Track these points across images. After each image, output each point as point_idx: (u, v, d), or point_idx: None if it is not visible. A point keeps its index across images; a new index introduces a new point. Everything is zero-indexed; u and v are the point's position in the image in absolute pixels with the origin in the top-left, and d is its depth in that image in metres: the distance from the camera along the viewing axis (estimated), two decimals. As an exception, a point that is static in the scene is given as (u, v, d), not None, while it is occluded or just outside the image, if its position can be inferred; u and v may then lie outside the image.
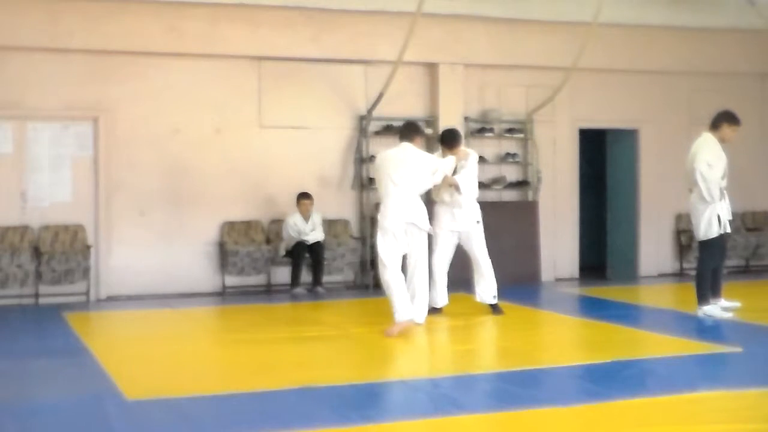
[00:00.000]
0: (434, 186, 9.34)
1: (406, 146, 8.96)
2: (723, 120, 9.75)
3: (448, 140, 9.58)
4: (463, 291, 11.88)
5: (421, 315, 9.03)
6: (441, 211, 9.77)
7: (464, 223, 9.67)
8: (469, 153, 9.75)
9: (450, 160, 9.35)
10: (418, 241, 8.92)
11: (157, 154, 11.98)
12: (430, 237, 9.26)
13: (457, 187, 9.45)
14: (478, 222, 9.74)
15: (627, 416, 5.91)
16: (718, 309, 9.66)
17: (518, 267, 13.04)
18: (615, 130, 14.28)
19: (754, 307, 10.23)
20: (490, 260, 9.85)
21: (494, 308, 9.87)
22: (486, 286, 9.82)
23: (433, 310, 9.66)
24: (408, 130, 9.11)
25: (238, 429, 5.72)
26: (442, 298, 9.84)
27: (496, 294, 9.86)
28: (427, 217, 9.00)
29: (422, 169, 8.86)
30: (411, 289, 8.96)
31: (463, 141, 9.70)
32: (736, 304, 9.79)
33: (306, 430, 5.62)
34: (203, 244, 12.16)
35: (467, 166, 9.57)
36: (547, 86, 13.05)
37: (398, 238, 8.78)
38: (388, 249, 8.75)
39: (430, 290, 9.56)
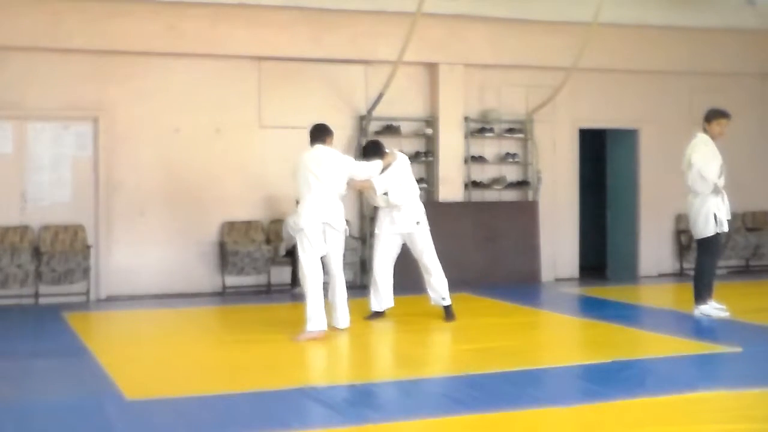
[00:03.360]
0: (364, 191, 9.43)
1: (321, 147, 8.91)
2: (712, 117, 9.81)
3: (370, 153, 9.41)
4: (466, 291, 11.91)
5: (344, 320, 8.95)
6: (381, 214, 9.63)
7: (404, 225, 9.49)
8: (396, 156, 9.55)
9: (376, 163, 9.28)
10: (336, 243, 8.84)
11: (157, 154, 11.98)
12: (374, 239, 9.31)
13: (371, 189, 9.31)
14: (418, 223, 9.51)
15: (627, 416, 5.91)
16: (714, 308, 9.66)
17: (518, 267, 13.05)
18: (615, 130, 14.29)
19: (754, 307, 10.24)
20: (438, 261, 9.55)
21: (446, 312, 9.57)
22: (434, 287, 9.54)
23: (376, 314, 9.59)
24: (320, 132, 9.02)
25: (238, 429, 5.72)
26: (386, 301, 9.63)
27: (447, 296, 9.56)
28: (343, 218, 8.91)
29: (341, 169, 8.85)
30: (332, 295, 8.91)
31: (384, 150, 9.53)
32: (723, 306, 9.77)
33: (306, 430, 5.63)
34: (203, 244, 12.16)
35: (392, 168, 9.42)
36: (547, 86, 13.06)
37: (315, 239, 8.69)
38: (306, 253, 8.67)
39: (372, 294, 9.59)
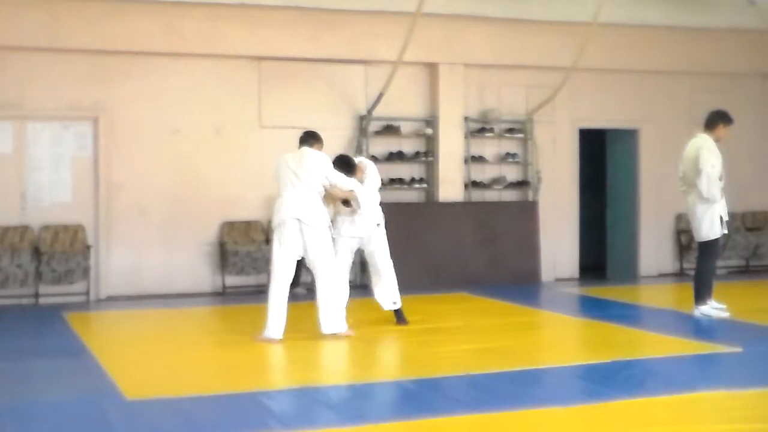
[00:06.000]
0: (333, 200, 9.10)
1: (306, 149, 8.83)
2: (718, 120, 9.78)
3: (345, 169, 9.12)
4: (466, 291, 11.91)
5: (326, 324, 8.65)
6: (340, 218, 9.36)
7: (364, 228, 9.32)
8: (366, 167, 9.42)
9: (354, 183, 9.05)
10: (315, 241, 8.59)
11: (157, 154, 11.98)
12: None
13: (358, 204, 9.11)
14: (378, 225, 9.37)
15: (627, 416, 5.92)
16: (714, 308, 9.66)
17: (518, 267, 13.05)
18: (615, 130, 14.29)
19: (754, 307, 10.24)
20: (392, 264, 9.42)
21: (397, 315, 9.44)
22: (384, 290, 9.38)
23: None
24: (309, 137, 8.98)
25: (238, 429, 5.72)
26: None
27: (398, 300, 9.40)
28: (327, 218, 8.72)
29: (321, 171, 8.67)
30: (322, 299, 8.65)
31: (354, 164, 9.32)
32: (724, 306, 9.77)
33: (306, 430, 5.63)
34: (203, 244, 12.16)
35: (366, 179, 9.30)
36: (547, 86, 13.05)
37: (287, 237, 8.55)
38: (275, 252, 8.58)
39: None
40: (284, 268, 8.62)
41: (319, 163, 8.74)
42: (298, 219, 8.56)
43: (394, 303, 9.43)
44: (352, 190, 9.03)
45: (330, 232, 8.79)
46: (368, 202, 9.26)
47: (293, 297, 11.72)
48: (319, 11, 12.27)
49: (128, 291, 11.75)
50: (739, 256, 14.19)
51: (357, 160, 9.55)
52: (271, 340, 8.51)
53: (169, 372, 7.44)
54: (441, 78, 12.98)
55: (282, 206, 8.63)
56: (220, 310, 11.28)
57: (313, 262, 8.72)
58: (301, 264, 11.96)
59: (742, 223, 14.36)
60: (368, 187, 9.32)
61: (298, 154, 8.84)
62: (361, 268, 12.57)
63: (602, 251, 14.56)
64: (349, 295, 9.12)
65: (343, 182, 8.93)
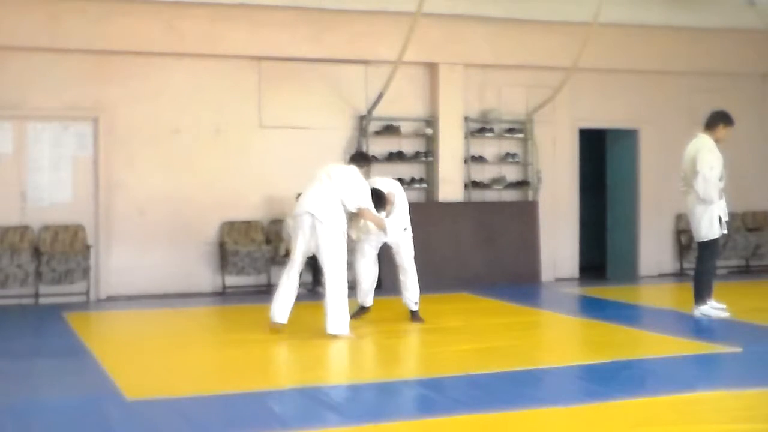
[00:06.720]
0: (362, 224, 9.22)
1: (351, 166, 9.09)
2: (719, 121, 9.78)
3: (375, 203, 9.09)
4: (466, 291, 11.91)
5: (331, 325, 8.62)
6: (367, 226, 9.41)
7: (392, 234, 9.40)
8: (394, 197, 9.43)
9: (381, 222, 9.14)
10: (324, 239, 8.63)
11: (157, 154, 11.98)
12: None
13: (385, 233, 9.29)
14: (405, 229, 9.50)
15: (627, 416, 5.92)
16: (714, 308, 9.67)
17: (518, 267, 13.05)
18: (615, 130, 14.29)
19: (754, 307, 10.24)
20: (415, 268, 9.57)
21: (414, 315, 9.59)
22: (411, 293, 9.58)
23: (362, 309, 9.63)
24: (360, 158, 9.33)
25: (238, 429, 5.72)
26: (369, 299, 9.68)
27: (418, 301, 9.59)
28: (343, 221, 8.73)
29: (358, 191, 8.77)
30: (329, 299, 8.63)
31: (384, 198, 9.32)
32: (724, 306, 9.77)
33: (306, 430, 5.63)
34: (203, 244, 12.16)
35: (395, 210, 9.41)
36: (547, 86, 13.06)
37: (299, 230, 8.71)
38: (296, 240, 8.77)
39: (357, 291, 9.55)
40: (301, 258, 8.83)
41: (358, 183, 8.85)
42: (312, 214, 8.65)
43: (415, 303, 9.61)
44: (382, 220, 9.18)
45: (345, 236, 8.85)
46: (395, 231, 9.37)
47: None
48: (319, 11, 12.27)
49: (128, 291, 11.75)
50: (739, 256, 14.20)
51: (386, 190, 9.46)
52: (274, 325, 8.72)
53: (169, 372, 7.44)
54: (441, 78, 12.98)
55: (302, 199, 8.85)
56: (220, 310, 11.27)
57: (322, 261, 8.76)
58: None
59: (742, 223, 14.36)
60: (396, 216, 9.42)
61: (344, 167, 9.09)
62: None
63: (602, 251, 14.56)
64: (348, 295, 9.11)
65: (373, 213, 9.02)
